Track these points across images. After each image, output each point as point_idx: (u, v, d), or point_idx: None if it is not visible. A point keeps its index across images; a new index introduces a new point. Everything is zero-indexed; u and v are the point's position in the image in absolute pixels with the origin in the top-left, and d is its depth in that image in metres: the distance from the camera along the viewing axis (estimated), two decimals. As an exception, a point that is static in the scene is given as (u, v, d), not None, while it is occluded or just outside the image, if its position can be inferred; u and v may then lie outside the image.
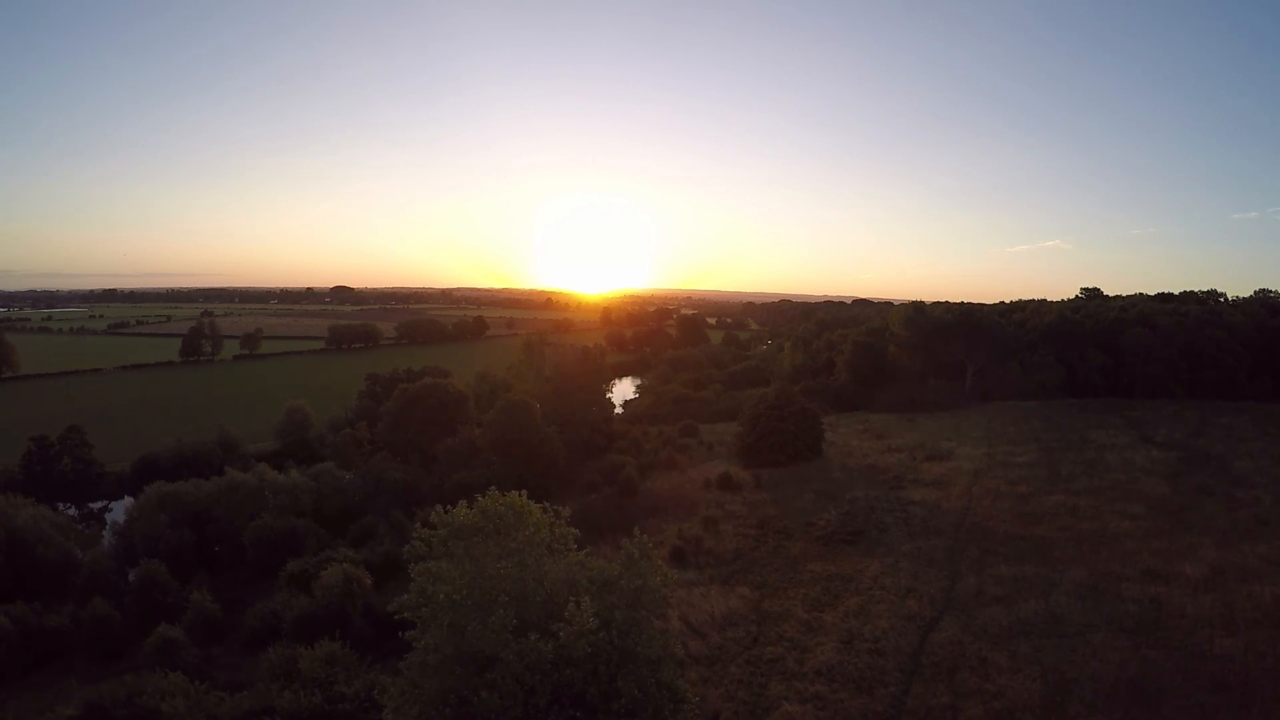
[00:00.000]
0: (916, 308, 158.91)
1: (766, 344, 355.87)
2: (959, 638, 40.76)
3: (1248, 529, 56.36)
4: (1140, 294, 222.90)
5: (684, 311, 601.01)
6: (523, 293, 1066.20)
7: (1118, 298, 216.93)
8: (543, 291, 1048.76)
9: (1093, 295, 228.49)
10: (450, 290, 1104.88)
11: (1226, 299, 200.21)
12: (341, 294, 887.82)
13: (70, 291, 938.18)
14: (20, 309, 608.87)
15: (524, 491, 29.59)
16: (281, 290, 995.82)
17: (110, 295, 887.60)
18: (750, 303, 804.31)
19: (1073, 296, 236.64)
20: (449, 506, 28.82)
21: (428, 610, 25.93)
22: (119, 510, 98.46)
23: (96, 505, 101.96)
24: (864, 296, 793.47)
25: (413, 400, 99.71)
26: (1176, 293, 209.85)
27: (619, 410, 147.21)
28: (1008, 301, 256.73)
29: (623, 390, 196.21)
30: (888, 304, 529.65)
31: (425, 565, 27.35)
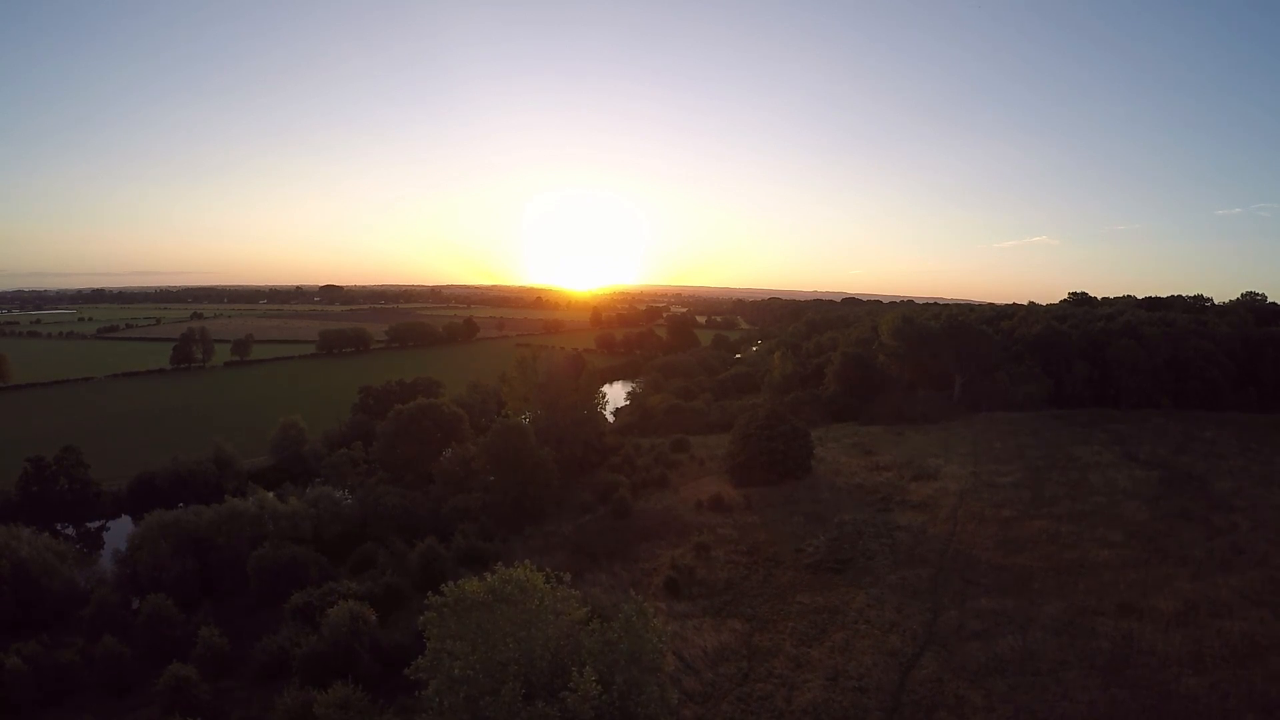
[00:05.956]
0: (905, 318, 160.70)
1: (757, 344, 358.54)
2: (939, 675, 42.63)
3: (1223, 559, 58.41)
4: (1128, 297, 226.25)
5: (674, 309, 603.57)
6: (512, 290, 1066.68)
7: (1105, 303, 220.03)
8: (532, 289, 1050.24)
9: (1080, 300, 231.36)
10: (439, 288, 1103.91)
11: (1213, 303, 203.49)
12: (331, 293, 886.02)
13: (58, 291, 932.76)
14: (9, 311, 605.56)
15: (528, 562, 31.18)
16: (270, 289, 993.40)
17: (99, 295, 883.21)
18: (740, 300, 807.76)
19: (1060, 300, 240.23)
20: (453, 576, 30.52)
21: (442, 677, 27.64)
22: (116, 529, 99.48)
23: (94, 525, 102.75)
24: (853, 293, 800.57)
25: (408, 421, 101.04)
26: (1164, 296, 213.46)
27: (610, 418, 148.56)
28: (997, 304, 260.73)
29: (614, 395, 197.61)
30: (877, 302, 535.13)
31: (440, 629, 29.11)
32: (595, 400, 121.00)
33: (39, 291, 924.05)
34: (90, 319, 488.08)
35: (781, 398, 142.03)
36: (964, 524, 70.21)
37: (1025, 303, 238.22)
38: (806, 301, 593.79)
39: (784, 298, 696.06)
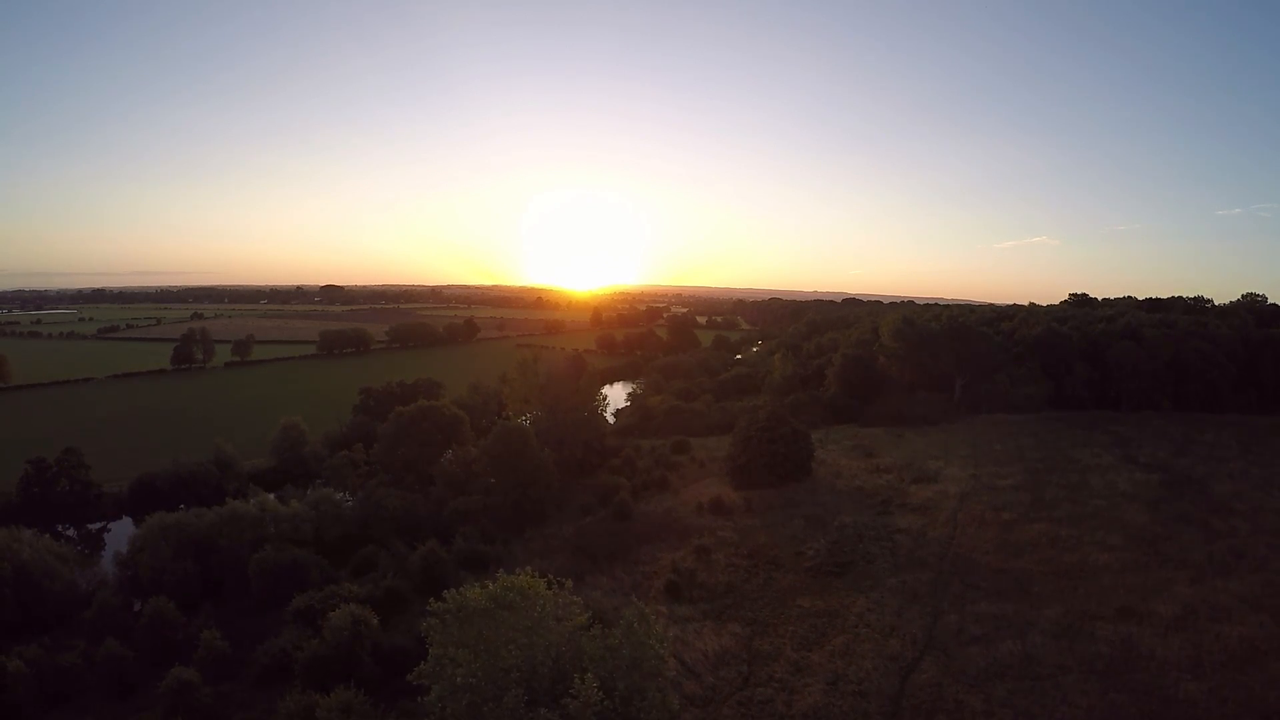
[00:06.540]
0: (906, 319, 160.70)
1: (757, 345, 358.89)
2: (938, 679, 42.75)
3: (1223, 562, 58.53)
4: (1128, 298, 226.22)
5: (674, 310, 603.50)
6: (512, 290, 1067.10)
7: (1105, 304, 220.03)
8: (533, 289, 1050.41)
9: (1080, 301, 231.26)
10: (440, 288, 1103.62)
11: (1214, 305, 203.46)
12: (331, 293, 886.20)
13: (59, 291, 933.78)
14: (9, 311, 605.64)
15: (530, 568, 31.28)
16: (271, 289, 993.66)
17: (99, 295, 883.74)
18: (740, 300, 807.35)
19: (1060, 301, 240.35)
20: (458, 585, 30.64)
21: (444, 683, 27.75)
22: (118, 531, 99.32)
23: (95, 527, 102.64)
24: (854, 294, 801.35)
25: (409, 423, 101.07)
26: (1164, 297, 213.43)
27: (611, 419, 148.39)
28: (997, 305, 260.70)
29: (614, 396, 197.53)
30: (877, 302, 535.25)
31: (442, 636, 29.22)
32: (596, 402, 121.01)
33: (39, 291, 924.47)
34: (91, 319, 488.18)
35: (782, 399, 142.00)
36: (964, 527, 70.31)
37: (1025, 303, 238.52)
38: (807, 302, 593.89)
39: (784, 298, 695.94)
